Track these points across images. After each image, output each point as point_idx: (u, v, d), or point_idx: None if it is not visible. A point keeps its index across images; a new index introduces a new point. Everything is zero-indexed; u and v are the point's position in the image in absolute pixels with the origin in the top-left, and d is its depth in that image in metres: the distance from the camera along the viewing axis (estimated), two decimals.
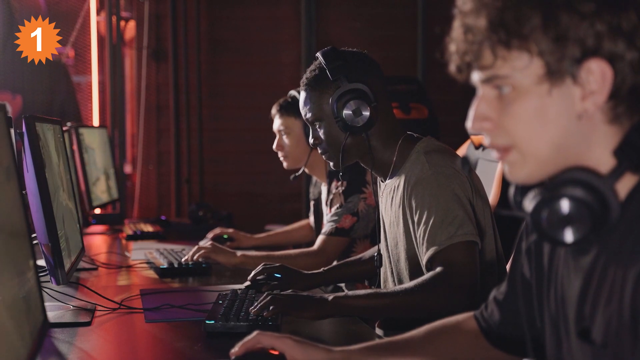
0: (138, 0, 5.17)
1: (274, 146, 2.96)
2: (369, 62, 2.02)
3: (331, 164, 2.04)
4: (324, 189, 2.99)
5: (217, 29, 5.26)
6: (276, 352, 1.34)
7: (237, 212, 4.30)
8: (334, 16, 5.29)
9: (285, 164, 2.99)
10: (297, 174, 2.96)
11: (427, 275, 1.79)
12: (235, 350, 1.37)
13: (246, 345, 1.36)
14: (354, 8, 5.30)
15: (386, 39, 5.23)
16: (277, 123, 2.97)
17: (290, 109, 2.92)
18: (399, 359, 1.36)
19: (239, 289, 2.03)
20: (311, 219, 3.22)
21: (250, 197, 5.23)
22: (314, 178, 3.13)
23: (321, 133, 2.01)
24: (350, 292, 1.82)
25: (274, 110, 2.99)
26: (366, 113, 1.94)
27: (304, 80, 2.03)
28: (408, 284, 1.83)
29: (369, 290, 1.85)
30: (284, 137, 2.95)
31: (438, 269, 1.78)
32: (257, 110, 4.50)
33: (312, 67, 2.03)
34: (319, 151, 2.07)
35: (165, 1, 5.17)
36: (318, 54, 2.02)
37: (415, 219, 1.87)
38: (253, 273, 2.14)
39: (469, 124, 1.10)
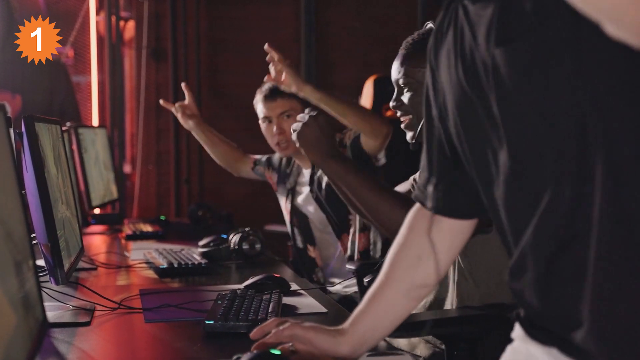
0: (137, 0, 5.17)
1: (275, 131, 2.93)
2: None
3: (408, 135, 2.00)
4: (306, 172, 3.00)
5: (217, 28, 5.26)
6: (278, 352, 1.34)
7: (236, 212, 4.31)
8: (334, 16, 5.29)
9: (286, 152, 2.99)
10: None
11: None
12: (272, 332, 1.38)
13: (278, 335, 1.37)
14: (354, 8, 5.30)
15: (386, 39, 5.23)
16: (278, 106, 2.95)
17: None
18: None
19: (239, 289, 2.03)
20: (287, 206, 3.20)
21: (250, 197, 5.23)
22: (293, 167, 3.13)
23: (406, 97, 1.97)
24: (352, 162, 1.96)
25: (270, 94, 2.97)
26: None
27: (409, 40, 1.99)
28: (388, 188, 1.95)
29: (362, 171, 1.95)
30: (286, 119, 2.94)
31: None
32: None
33: (421, 31, 1.99)
34: (398, 114, 2.01)
35: (165, 1, 5.18)
36: (429, 23, 1.98)
37: None
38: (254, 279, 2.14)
39: None
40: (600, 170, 0.97)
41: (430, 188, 1.34)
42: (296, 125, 2.04)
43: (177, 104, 3.30)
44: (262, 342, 1.37)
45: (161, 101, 3.38)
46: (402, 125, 2.00)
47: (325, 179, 2.96)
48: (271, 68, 2.62)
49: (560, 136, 1.01)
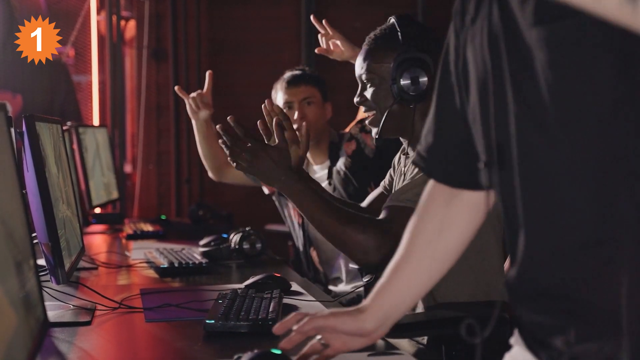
0: (138, 0, 5.17)
1: (296, 116, 2.92)
2: (437, 40, 1.97)
3: (373, 130, 1.98)
4: (316, 168, 2.99)
5: (217, 28, 5.26)
6: (278, 352, 1.33)
7: (237, 212, 4.31)
8: (334, 16, 5.28)
9: None
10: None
11: (372, 218, 1.86)
12: (297, 327, 1.33)
13: (302, 330, 1.33)
14: (354, 8, 5.30)
15: None
16: (301, 91, 2.96)
17: (314, 78, 2.95)
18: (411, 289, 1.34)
19: (239, 289, 2.03)
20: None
21: (250, 197, 5.22)
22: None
23: (369, 93, 1.96)
24: (313, 190, 1.91)
25: (293, 79, 2.98)
26: (423, 85, 1.90)
27: (371, 36, 1.98)
28: (352, 211, 1.91)
29: (323, 199, 1.90)
30: (307, 106, 2.95)
31: (382, 216, 1.84)
32: (258, 110, 4.50)
33: (383, 27, 1.98)
34: (363, 110, 2.00)
35: (166, 1, 5.18)
36: (392, 17, 1.98)
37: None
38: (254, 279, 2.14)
39: None
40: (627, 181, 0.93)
41: (439, 157, 1.29)
42: (244, 156, 1.99)
43: (195, 93, 3.15)
44: (288, 340, 1.33)
45: (176, 88, 3.26)
46: (367, 122, 2.01)
47: (339, 169, 2.96)
48: (320, 39, 2.67)
49: (586, 131, 0.96)
